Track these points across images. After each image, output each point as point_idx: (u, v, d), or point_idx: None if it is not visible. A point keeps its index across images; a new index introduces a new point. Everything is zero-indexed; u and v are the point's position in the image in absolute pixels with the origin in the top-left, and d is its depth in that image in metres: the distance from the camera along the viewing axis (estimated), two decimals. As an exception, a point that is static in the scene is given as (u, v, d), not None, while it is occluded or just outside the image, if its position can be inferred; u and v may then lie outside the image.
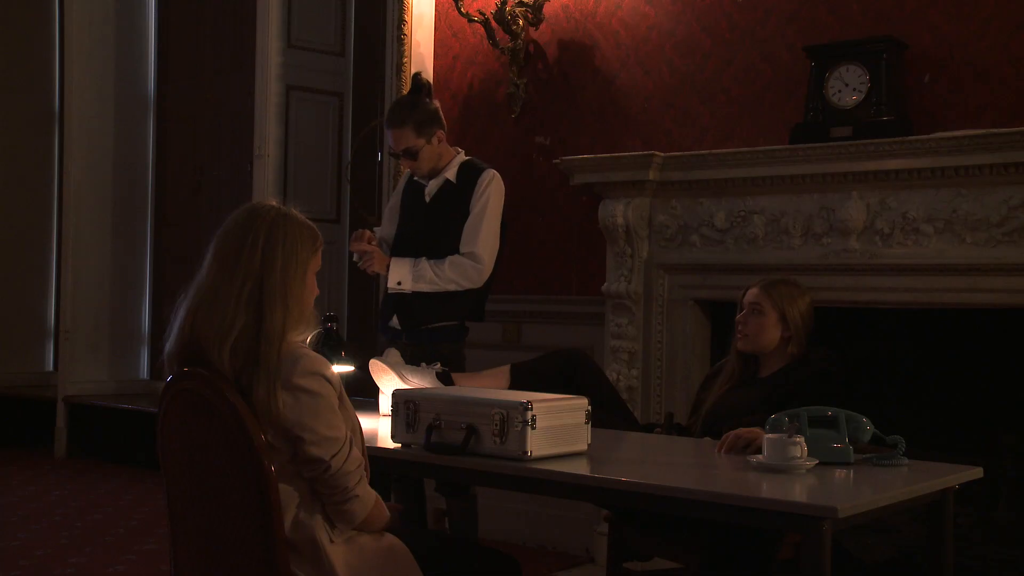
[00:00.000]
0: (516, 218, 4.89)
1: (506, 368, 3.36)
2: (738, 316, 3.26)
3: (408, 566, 2.34)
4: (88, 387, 7.11)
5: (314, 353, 2.25)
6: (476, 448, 2.54)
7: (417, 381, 3.19)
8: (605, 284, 4.55)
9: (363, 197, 6.34)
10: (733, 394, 3.22)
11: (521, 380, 3.29)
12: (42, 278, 7.85)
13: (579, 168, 4.56)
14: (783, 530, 2.69)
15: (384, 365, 3.22)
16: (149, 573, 4.28)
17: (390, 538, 2.36)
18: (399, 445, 2.69)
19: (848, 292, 4.00)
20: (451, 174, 3.82)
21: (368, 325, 4.05)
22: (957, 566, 3.15)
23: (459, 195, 3.78)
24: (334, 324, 3.22)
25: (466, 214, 3.76)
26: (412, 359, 3.45)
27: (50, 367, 7.79)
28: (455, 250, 3.74)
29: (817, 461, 2.50)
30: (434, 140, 3.76)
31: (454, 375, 3.31)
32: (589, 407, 2.65)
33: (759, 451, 2.56)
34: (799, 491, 2.33)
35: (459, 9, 5.02)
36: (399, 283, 3.73)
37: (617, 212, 4.43)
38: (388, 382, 3.19)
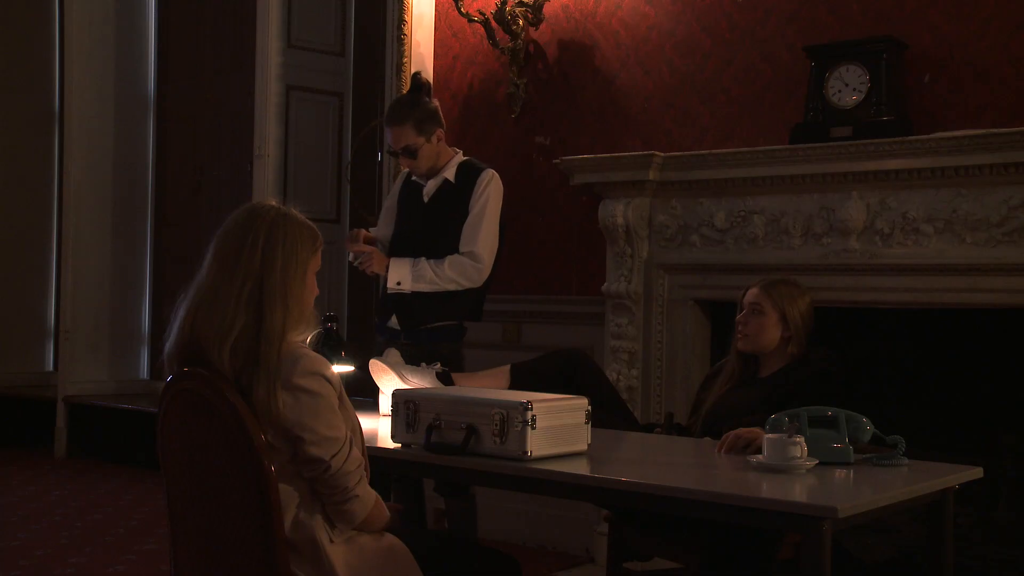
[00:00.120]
0: (516, 218, 4.90)
1: (506, 368, 3.36)
2: (738, 316, 3.26)
3: (408, 566, 2.34)
4: (88, 387, 7.11)
5: (314, 353, 2.25)
6: (476, 448, 2.54)
7: (417, 381, 3.19)
8: (605, 284, 4.55)
9: (363, 197, 6.34)
10: (733, 394, 3.23)
11: (521, 380, 3.29)
12: (42, 278, 7.85)
13: (579, 168, 4.56)
14: (783, 530, 2.69)
15: (384, 365, 3.22)
16: (149, 573, 4.28)
17: (390, 538, 2.36)
18: (399, 445, 2.69)
19: (848, 292, 4.00)
20: (450, 174, 3.82)
21: (368, 325, 4.05)
22: (957, 566, 3.15)
23: (458, 195, 3.78)
24: (334, 324, 3.22)
25: (465, 214, 3.76)
26: (411, 359, 3.45)
27: (50, 367, 7.79)
28: (454, 250, 3.74)
29: (817, 461, 2.50)
30: (433, 139, 3.76)
31: (454, 375, 3.30)
32: (589, 407, 2.65)
33: (759, 451, 2.56)
34: (799, 491, 2.33)
35: (459, 9, 5.02)
36: (398, 283, 3.73)
37: (617, 212, 4.43)
38: (388, 382, 3.19)
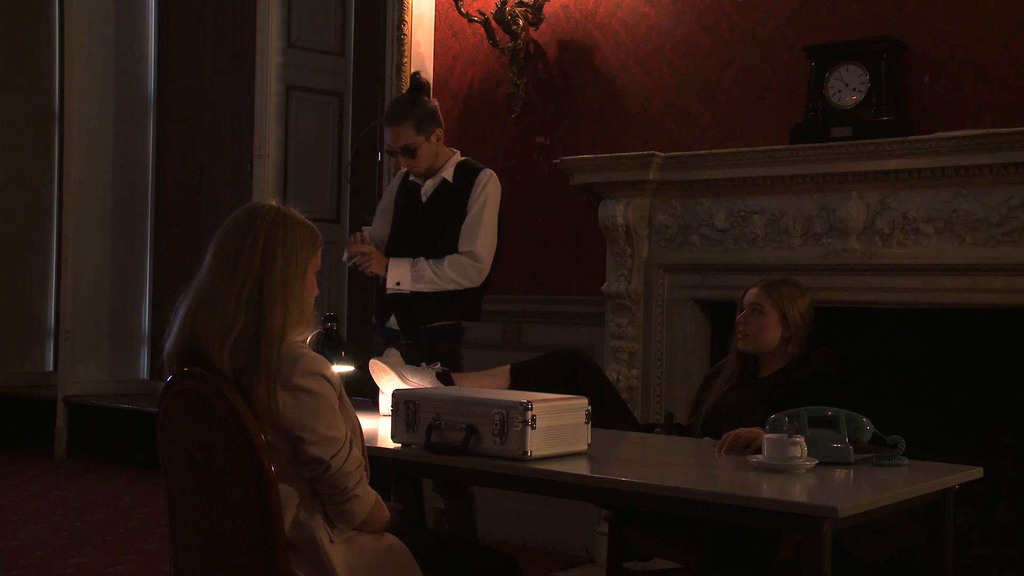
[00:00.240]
0: (516, 218, 4.90)
1: (506, 368, 3.36)
2: (738, 316, 3.26)
3: (408, 566, 2.34)
4: (88, 387, 7.11)
5: (314, 353, 2.25)
6: (476, 448, 2.54)
7: (417, 381, 3.19)
8: (605, 284, 4.55)
9: (363, 197, 6.34)
10: (733, 394, 3.22)
11: (521, 380, 3.29)
12: (42, 278, 7.85)
13: (579, 168, 4.56)
14: (783, 530, 2.69)
15: (384, 365, 3.22)
16: (149, 573, 4.28)
17: (390, 538, 2.36)
18: (399, 445, 2.69)
19: (848, 292, 4.00)
20: (448, 174, 3.82)
21: (368, 325, 4.05)
22: (957, 566, 3.15)
23: (456, 195, 3.79)
24: (334, 324, 3.22)
25: (463, 214, 3.76)
26: (410, 358, 3.45)
27: (50, 367, 7.79)
28: (452, 250, 3.74)
29: (817, 461, 2.50)
30: (432, 138, 3.77)
31: (454, 375, 3.31)
32: (589, 407, 2.65)
33: (759, 451, 2.56)
34: (799, 491, 2.33)
35: (459, 9, 5.02)
36: (398, 283, 3.73)
37: (617, 212, 4.43)
38: (388, 382, 3.19)
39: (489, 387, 3.20)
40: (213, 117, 7.20)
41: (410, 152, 3.75)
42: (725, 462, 2.67)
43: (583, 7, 4.85)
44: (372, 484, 2.32)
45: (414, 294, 3.73)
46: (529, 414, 2.48)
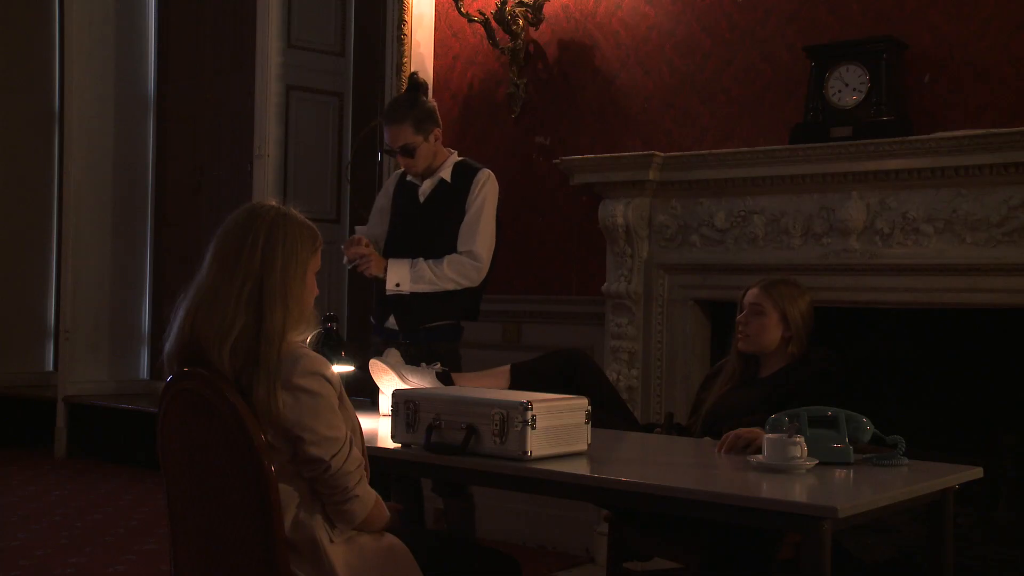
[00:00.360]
0: (516, 218, 4.90)
1: (506, 368, 3.36)
2: (739, 317, 3.26)
3: (408, 566, 2.34)
4: (88, 387, 7.11)
5: (314, 353, 2.25)
6: (476, 448, 2.54)
7: (417, 381, 3.19)
8: (605, 284, 4.55)
9: (363, 197, 6.34)
10: (733, 394, 3.22)
11: (521, 380, 3.29)
12: (42, 278, 7.85)
13: (579, 168, 4.56)
14: (783, 530, 2.69)
15: (384, 365, 3.22)
16: (149, 573, 4.28)
17: (390, 538, 2.36)
18: (399, 445, 2.69)
19: (848, 292, 4.00)
20: (446, 174, 3.82)
21: (368, 325, 4.05)
22: (957, 566, 3.15)
23: (454, 195, 3.79)
24: (334, 324, 3.22)
25: (461, 214, 3.77)
26: (409, 358, 3.45)
27: (50, 367, 7.79)
28: (449, 250, 3.74)
29: (817, 461, 2.50)
30: (431, 138, 3.77)
31: (454, 375, 3.31)
32: (589, 407, 2.65)
33: (759, 451, 2.56)
34: (799, 491, 2.33)
35: (459, 9, 5.02)
36: (397, 284, 3.73)
37: (617, 212, 4.43)
38: (388, 382, 3.19)
39: (489, 387, 3.20)
40: (213, 117, 7.20)
41: (409, 152, 3.75)
42: (725, 462, 2.67)
43: (583, 7, 4.85)
44: (372, 484, 2.32)
45: (413, 294, 3.74)
46: (529, 414, 2.48)
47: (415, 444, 2.64)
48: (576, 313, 4.82)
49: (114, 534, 4.89)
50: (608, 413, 3.18)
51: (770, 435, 2.51)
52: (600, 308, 4.63)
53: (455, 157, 3.87)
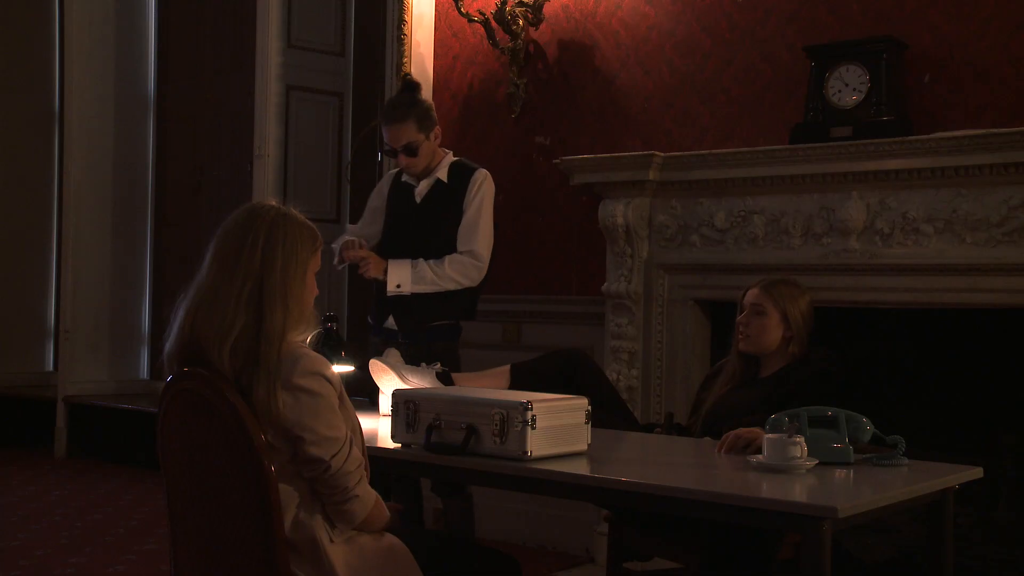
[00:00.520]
0: (516, 218, 4.90)
1: (506, 368, 3.36)
2: (739, 317, 3.26)
3: (408, 566, 2.34)
4: (88, 387, 7.11)
5: (314, 353, 2.25)
6: (476, 448, 2.54)
7: (417, 381, 3.19)
8: (605, 284, 4.55)
9: (363, 197, 6.29)
10: (733, 394, 3.22)
11: (521, 380, 3.29)
12: (42, 278, 7.85)
13: (579, 168, 4.56)
14: (783, 530, 2.69)
15: (384, 365, 3.22)
16: (149, 573, 4.28)
17: (390, 538, 2.36)
18: (399, 445, 2.69)
19: (848, 292, 4.00)
20: (442, 174, 3.82)
21: (368, 325, 4.05)
22: (957, 566, 3.15)
23: (451, 195, 3.79)
24: (334, 324, 3.22)
25: (458, 214, 3.77)
26: (408, 358, 3.45)
27: (50, 367, 7.79)
28: (446, 250, 3.75)
29: (817, 461, 2.50)
30: (432, 136, 3.78)
31: (454, 375, 3.31)
32: (589, 407, 2.65)
33: (759, 451, 2.56)
34: (799, 491, 2.33)
35: (459, 9, 5.02)
36: (398, 286, 3.73)
37: (617, 212, 4.43)
38: (388, 382, 3.19)
39: (489, 387, 3.20)
40: (213, 117, 7.20)
41: (412, 151, 3.74)
42: (725, 462, 2.67)
43: (583, 7, 4.85)
44: (372, 484, 2.32)
45: (413, 294, 3.74)
46: (529, 414, 2.48)
47: (415, 444, 2.64)
48: (576, 313, 4.82)
49: (114, 534, 4.88)
50: (608, 413, 3.18)
51: (770, 435, 2.51)
52: (600, 308, 4.63)
53: (451, 157, 3.88)
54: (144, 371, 7.52)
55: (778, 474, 2.44)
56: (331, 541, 2.24)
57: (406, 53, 5.29)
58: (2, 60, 7.68)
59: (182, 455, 2.28)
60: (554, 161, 4.75)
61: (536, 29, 4.96)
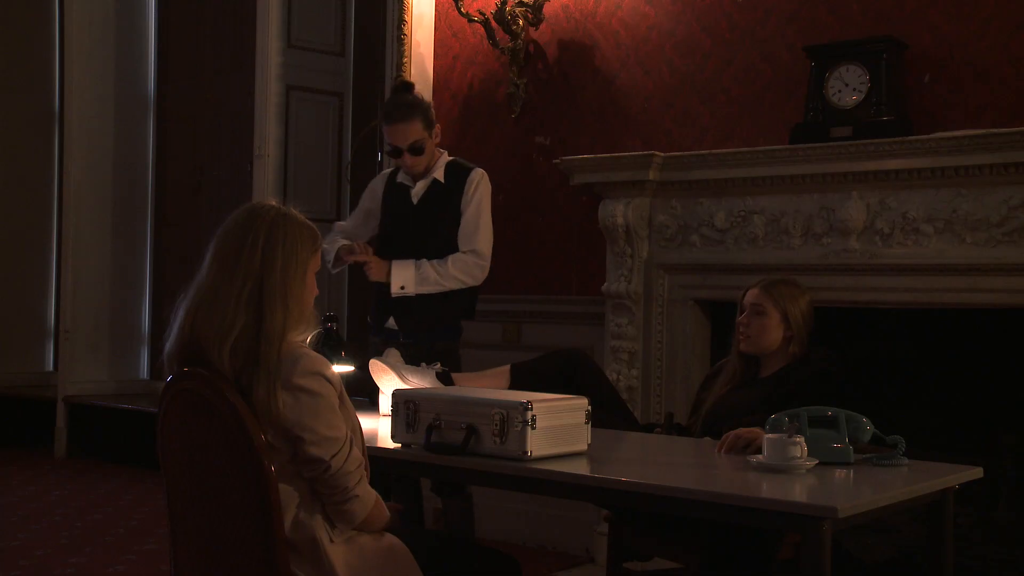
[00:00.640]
0: (516, 218, 4.90)
1: (506, 368, 3.36)
2: (740, 318, 3.26)
3: (408, 566, 2.34)
4: (88, 387, 7.11)
5: (314, 353, 2.25)
6: (476, 448, 2.54)
7: (417, 381, 3.19)
8: (605, 284, 4.55)
9: (363, 197, 6.34)
10: (733, 394, 3.22)
11: (521, 380, 3.29)
12: (42, 278, 7.85)
13: (579, 168, 4.56)
14: (783, 530, 2.69)
15: (384, 365, 3.22)
16: (149, 573, 4.28)
17: (390, 538, 2.36)
18: (399, 445, 2.69)
19: (848, 292, 4.00)
20: (439, 174, 3.82)
21: (368, 325, 4.05)
22: (957, 566, 3.15)
23: (448, 195, 3.79)
24: (334, 324, 3.22)
25: (455, 214, 3.77)
26: (408, 358, 3.45)
27: (50, 367, 7.79)
28: (444, 251, 3.75)
29: (817, 461, 2.50)
30: (433, 135, 3.78)
31: (454, 375, 3.31)
32: (589, 407, 2.65)
33: (759, 451, 2.56)
34: (799, 491, 2.33)
35: (459, 9, 5.02)
36: (402, 287, 3.73)
37: (617, 212, 4.43)
38: (388, 382, 3.19)
39: (489, 387, 3.20)
40: (213, 117, 7.20)
41: (419, 149, 3.74)
42: (725, 462, 2.67)
43: (583, 7, 4.85)
44: (372, 484, 2.32)
45: (416, 295, 3.74)
46: (529, 414, 2.48)
47: (415, 444, 2.64)
48: (576, 313, 4.82)
49: (114, 534, 4.89)
50: (608, 413, 3.18)
51: (770, 435, 2.51)
52: (600, 308, 4.63)
53: (446, 157, 3.88)
54: (144, 371, 7.52)
55: (778, 474, 2.44)
56: (331, 541, 2.24)
57: (406, 53, 5.29)
58: (2, 60, 7.69)
59: (182, 455, 2.28)
60: (554, 161, 4.75)
61: (536, 29, 4.96)
